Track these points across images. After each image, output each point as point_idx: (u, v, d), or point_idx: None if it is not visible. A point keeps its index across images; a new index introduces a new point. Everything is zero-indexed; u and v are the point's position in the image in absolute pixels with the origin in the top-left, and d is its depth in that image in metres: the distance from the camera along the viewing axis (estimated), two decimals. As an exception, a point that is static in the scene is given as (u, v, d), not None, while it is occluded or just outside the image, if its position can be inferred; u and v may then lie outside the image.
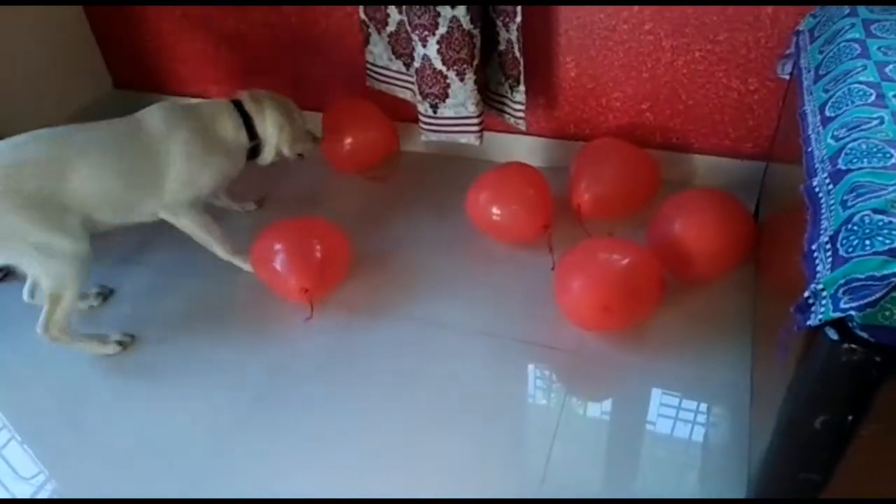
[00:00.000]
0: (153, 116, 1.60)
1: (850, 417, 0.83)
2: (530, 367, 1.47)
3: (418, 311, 1.61)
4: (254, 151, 1.75)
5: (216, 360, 1.54)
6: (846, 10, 1.28)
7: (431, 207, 1.94)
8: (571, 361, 1.46)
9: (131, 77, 2.42)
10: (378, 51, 1.96)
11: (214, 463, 1.33)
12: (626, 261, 1.43)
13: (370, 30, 1.93)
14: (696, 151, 1.88)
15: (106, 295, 1.74)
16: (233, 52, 2.21)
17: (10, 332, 1.66)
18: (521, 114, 1.85)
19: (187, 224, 1.65)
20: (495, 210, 1.70)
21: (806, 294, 0.81)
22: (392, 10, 1.82)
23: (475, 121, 1.85)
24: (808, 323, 0.79)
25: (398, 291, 1.68)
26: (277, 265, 1.58)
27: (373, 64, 2.01)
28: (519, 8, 1.66)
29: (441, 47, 1.72)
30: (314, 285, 1.57)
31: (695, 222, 1.52)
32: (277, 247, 1.59)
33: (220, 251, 1.71)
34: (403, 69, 1.94)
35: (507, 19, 1.71)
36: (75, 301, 1.51)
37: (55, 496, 1.32)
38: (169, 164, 1.57)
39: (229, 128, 1.67)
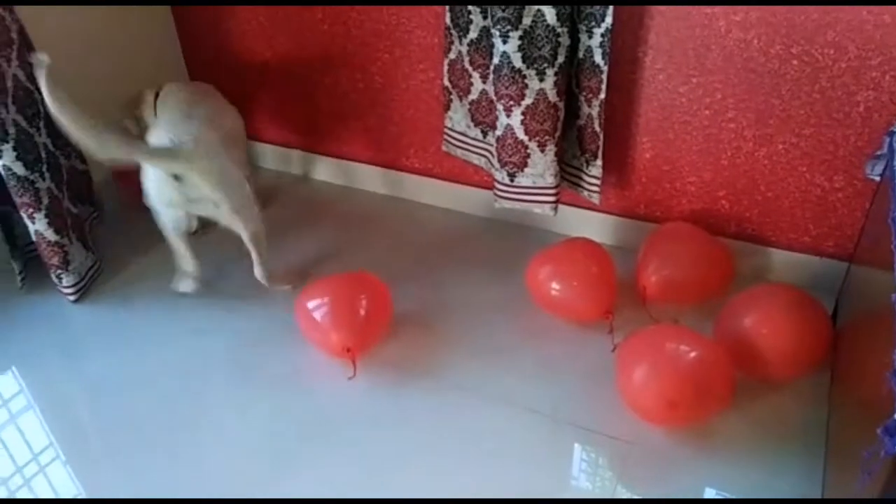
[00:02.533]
0: None
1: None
2: (578, 450, 1.41)
3: (463, 380, 1.58)
4: None
5: (248, 405, 1.55)
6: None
7: (489, 273, 1.93)
8: (625, 451, 1.39)
9: (207, 80, 2.50)
10: (457, 117, 2.01)
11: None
12: (696, 353, 1.38)
13: (452, 96, 1.98)
14: (772, 245, 1.83)
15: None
16: (309, 101, 2.30)
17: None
18: (596, 188, 1.85)
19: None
20: (555, 285, 1.68)
21: (896, 416, 0.75)
22: (476, 78, 1.87)
23: (552, 191, 1.85)
24: (898, 448, 0.73)
25: (444, 356, 1.65)
26: (320, 319, 1.58)
27: (451, 129, 2.05)
28: (604, 85, 1.68)
29: (525, 118, 1.75)
30: (357, 344, 1.56)
31: (767, 319, 1.46)
32: (322, 300, 1.60)
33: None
34: (480, 136, 1.97)
35: (591, 95, 1.73)
36: None
37: None
38: None
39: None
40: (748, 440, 1.40)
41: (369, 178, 2.33)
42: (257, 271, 1.81)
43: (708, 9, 1.60)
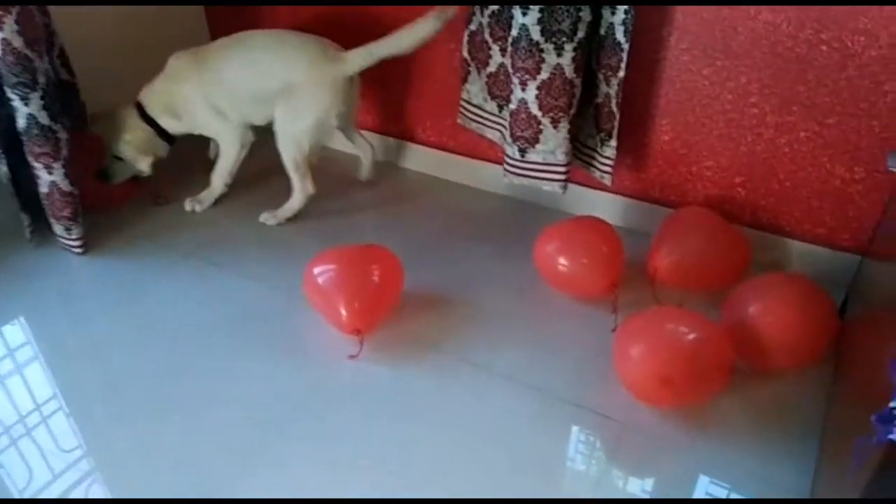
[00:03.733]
0: None
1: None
2: (574, 430, 1.41)
3: (467, 354, 1.58)
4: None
5: (251, 371, 1.54)
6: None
7: (497, 250, 1.92)
8: (619, 432, 1.39)
9: None
10: (475, 90, 1.99)
11: (233, 470, 1.33)
12: (694, 334, 1.36)
13: (470, 68, 1.96)
14: (786, 235, 1.79)
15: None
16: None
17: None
18: (609, 169, 1.82)
19: None
20: (563, 261, 1.67)
21: (892, 404, 0.74)
22: (495, 51, 1.84)
23: (562, 169, 1.83)
24: (891, 436, 0.72)
25: (450, 331, 1.65)
26: (330, 291, 1.55)
27: (467, 102, 2.03)
28: (623, 63, 1.65)
29: (540, 93, 1.72)
30: (367, 325, 1.55)
31: (774, 308, 1.44)
32: (333, 274, 1.57)
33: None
34: (496, 111, 1.95)
35: (610, 73, 1.70)
36: None
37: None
38: None
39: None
40: (743, 426, 1.38)
41: (383, 149, 2.32)
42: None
43: (736, -11, 1.56)
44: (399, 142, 2.29)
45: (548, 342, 1.61)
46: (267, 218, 2.01)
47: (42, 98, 1.63)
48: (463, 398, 1.47)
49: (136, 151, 1.98)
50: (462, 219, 2.08)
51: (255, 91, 1.91)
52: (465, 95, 2.03)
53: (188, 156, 2.22)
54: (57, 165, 1.70)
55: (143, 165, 2.00)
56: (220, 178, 2.04)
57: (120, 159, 1.99)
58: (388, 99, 2.23)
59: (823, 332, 1.45)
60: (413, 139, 2.26)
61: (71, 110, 1.88)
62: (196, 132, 2.03)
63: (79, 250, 1.85)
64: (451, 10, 1.76)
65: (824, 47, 1.54)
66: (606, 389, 1.46)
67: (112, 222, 2.01)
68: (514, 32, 1.67)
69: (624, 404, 1.43)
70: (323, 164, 2.28)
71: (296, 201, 2.00)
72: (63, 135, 1.70)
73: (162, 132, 2.00)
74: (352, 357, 1.55)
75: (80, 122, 1.96)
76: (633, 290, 1.70)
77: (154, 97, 1.97)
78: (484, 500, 1.24)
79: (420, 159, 2.28)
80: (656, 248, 1.71)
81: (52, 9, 1.76)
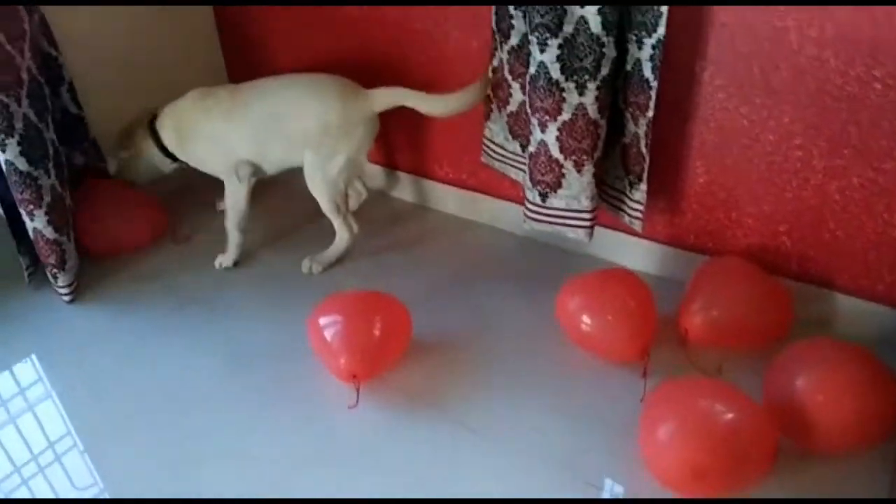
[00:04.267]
0: None
1: None
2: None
3: (472, 417, 1.44)
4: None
5: (248, 423, 1.46)
6: None
7: (517, 296, 1.79)
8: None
9: (245, 76, 2.46)
10: (496, 128, 1.87)
11: None
12: (732, 414, 1.20)
13: (492, 105, 1.85)
14: (838, 290, 1.61)
15: None
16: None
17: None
18: (639, 214, 1.68)
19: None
20: (587, 319, 1.53)
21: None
22: (515, 90, 1.73)
23: (587, 216, 1.69)
24: None
25: (455, 385, 1.52)
26: (330, 339, 1.48)
27: (490, 140, 1.92)
28: (652, 102, 1.51)
29: (562, 135, 1.59)
30: (365, 373, 1.45)
31: (826, 381, 1.26)
32: (335, 319, 1.50)
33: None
34: (520, 150, 1.83)
35: (638, 112, 1.56)
36: None
37: None
38: None
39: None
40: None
41: (399, 185, 2.23)
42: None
43: (778, 20, 1.41)
44: (416, 178, 2.19)
45: (564, 408, 1.46)
46: (310, 266, 1.92)
47: (20, 144, 1.58)
48: (459, 465, 1.34)
49: (134, 155, 1.97)
50: (481, 261, 1.96)
51: (286, 131, 1.84)
52: (487, 133, 1.92)
53: (208, 194, 2.16)
54: (39, 213, 1.65)
55: (135, 175, 2.01)
56: (232, 224, 1.95)
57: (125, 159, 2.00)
58: (405, 134, 2.14)
59: (884, 408, 1.27)
60: (430, 176, 2.16)
61: (80, 144, 1.84)
62: (193, 163, 1.96)
63: (67, 298, 1.79)
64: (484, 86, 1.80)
65: (878, 85, 1.37)
66: (631, 470, 1.30)
67: (114, 263, 1.95)
68: (532, 70, 1.55)
69: (649, 489, 1.26)
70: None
71: (342, 242, 1.93)
72: (46, 181, 1.64)
73: (163, 147, 1.95)
74: (350, 407, 1.45)
75: (94, 158, 1.92)
76: (666, 348, 1.54)
77: (170, 111, 1.92)
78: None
79: (438, 197, 2.17)
80: (688, 302, 1.55)
81: (60, 41, 1.72)
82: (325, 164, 1.83)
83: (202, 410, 1.50)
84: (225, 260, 1.95)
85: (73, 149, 1.85)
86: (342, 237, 1.93)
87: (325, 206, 1.88)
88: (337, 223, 1.91)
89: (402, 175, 2.22)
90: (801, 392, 1.25)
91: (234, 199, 1.91)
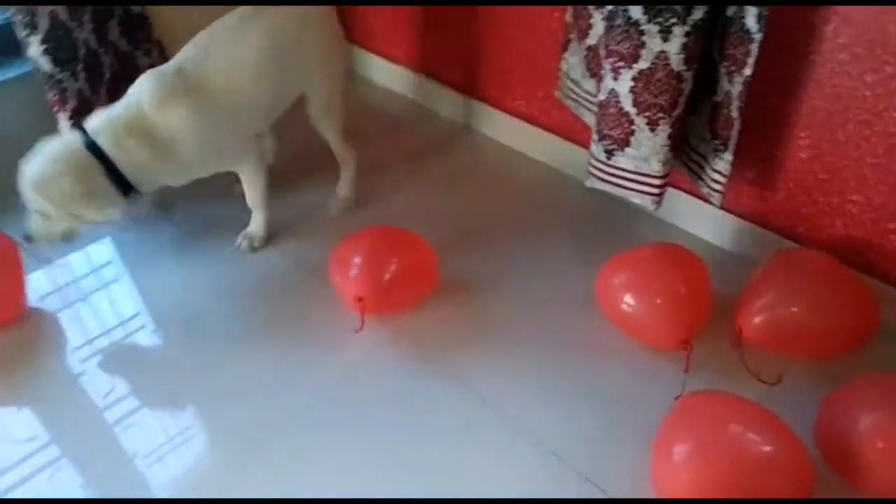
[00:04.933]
0: None
1: None
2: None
3: (481, 386, 1.34)
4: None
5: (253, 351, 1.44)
6: None
7: (566, 251, 1.65)
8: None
9: None
10: (573, 62, 1.65)
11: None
12: (765, 448, 1.04)
13: (572, 35, 1.62)
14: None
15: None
16: (427, 26, 2.03)
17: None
18: (720, 186, 1.44)
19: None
20: (629, 299, 1.36)
21: None
22: (597, 21, 1.48)
23: (657, 181, 1.47)
24: None
25: (472, 344, 1.42)
26: (345, 265, 1.44)
27: (566, 74, 1.69)
28: (752, 58, 1.24)
29: (636, 85, 1.36)
30: (372, 296, 1.40)
31: (889, 430, 1.06)
32: (356, 248, 1.46)
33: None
34: (594, 90, 1.61)
35: (734, 68, 1.30)
36: None
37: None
38: None
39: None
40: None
41: (463, 109, 2.06)
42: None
43: (936, -32, 1.09)
44: (480, 104, 2.01)
45: (586, 396, 1.32)
46: (336, 207, 1.77)
47: (43, 42, 1.53)
48: (448, 432, 1.27)
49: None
50: (535, 205, 1.80)
51: (280, 83, 1.57)
52: (564, 66, 1.69)
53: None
54: (62, 116, 1.63)
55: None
56: (256, 205, 1.66)
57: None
58: (477, 57, 1.94)
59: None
60: (498, 105, 1.97)
61: (143, 45, 1.81)
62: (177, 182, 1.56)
63: None
64: None
65: None
66: (639, 476, 1.17)
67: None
68: (609, 6, 1.31)
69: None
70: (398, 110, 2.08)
71: (350, 171, 1.78)
72: (73, 84, 1.60)
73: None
74: (356, 331, 1.42)
75: (158, 59, 1.87)
76: (719, 339, 1.36)
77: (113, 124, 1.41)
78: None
79: (502, 128, 1.99)
80: (748, 298, 1.34)
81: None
82: (329, 87, 1.65)
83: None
84: (256, 242, 1.67)
85: (136, 49, 1.79)
86: (350, 166, 1.76)
87: (336, 135, 1.71)
88: (343, 152, 1.74)
89: (470, 100, 2.04)
90: (863, 431, 1.06)
91: (252, 182, 1.63)
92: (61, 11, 1.56)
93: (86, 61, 1.64)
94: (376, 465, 1.22)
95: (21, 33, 1.53)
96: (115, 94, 1.66)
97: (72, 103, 1.62)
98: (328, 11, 1.65)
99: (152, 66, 1.82)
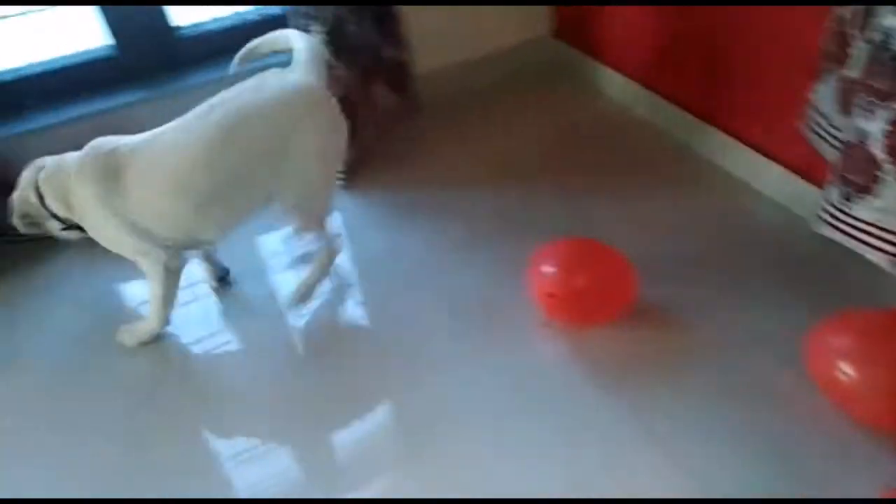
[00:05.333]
0: None
1: None
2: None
3: (655, 416, 1.28)
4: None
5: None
6: None
7: (773, 298, 1.50)
8: None
9: (571, 32, 2.35)
10: (825, 91, 1.48)
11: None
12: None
13: (828, 66, 1.46)
14: None
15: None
16: (668, 45, 1.96)
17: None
18: None
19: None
20: (845, 367, 1.20)
21: None
22: (860, 50, 1.32)
23: (901, 239, 1.28)
24: None
25: (654, 375, 1.37)
26: (542, 269, 1.47)
27: (814, 108, 1.53)
28: None
29: (891, 129, 1.20)
30: (562, 295, 1.43)
31: None
32: (556, 251, 1.49)
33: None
34: (843, 128, 1.43)
35: None
36: None
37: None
38: None
39: None
40: None
41: (701, 137, 1.95)
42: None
43: None
44: (712, 129, 1.89)
45: (771, 461, 1.20)
46: (294, 298, 1.59)
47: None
48: (605, 456, 1.23)
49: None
50: (755, 242, 1.67)
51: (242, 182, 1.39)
52: (813, 97, 1.53)
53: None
54: None
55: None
56: (152, 308, 1.52)
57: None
58: (716, 81, 1.83)
59: None
60: (729, 130, 1.85)
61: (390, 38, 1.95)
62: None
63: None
64: None
65: None
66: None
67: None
68: (874, 34, 1.16)
69: None
70: (620, 122, 2.03)
71: (323, 260, 1.59)
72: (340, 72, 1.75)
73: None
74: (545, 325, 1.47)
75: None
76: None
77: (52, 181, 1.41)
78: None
79: (730, 155, 1.86)
80: None
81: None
82: (306, 186, 1.48)
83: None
84: (129, 338, 1.55)
85: (384, 41, 1.96)
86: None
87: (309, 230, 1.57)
88: (320, 239, 1.59)
89: (697, 121, 1.93)
90: None
91: (156, 283, 1.50)
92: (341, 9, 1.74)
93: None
94: (520, 468, 1.24)
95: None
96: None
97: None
98: (324, 102, 1.43)
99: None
